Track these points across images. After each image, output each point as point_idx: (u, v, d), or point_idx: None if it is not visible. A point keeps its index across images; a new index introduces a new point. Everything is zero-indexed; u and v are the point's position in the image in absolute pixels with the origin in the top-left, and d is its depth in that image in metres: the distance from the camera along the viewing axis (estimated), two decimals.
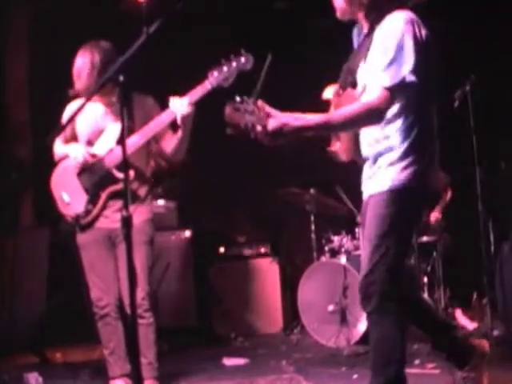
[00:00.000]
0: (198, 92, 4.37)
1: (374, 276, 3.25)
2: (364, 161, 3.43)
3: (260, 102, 3.06)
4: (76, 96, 4.56)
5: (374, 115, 3.15)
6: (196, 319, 6.99)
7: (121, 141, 3.05)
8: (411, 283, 3.72)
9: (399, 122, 3.24)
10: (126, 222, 2.86)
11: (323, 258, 6.31)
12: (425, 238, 6.32)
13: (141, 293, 4.43)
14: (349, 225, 6.50)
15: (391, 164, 3.25)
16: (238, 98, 3.04)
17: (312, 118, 3.17)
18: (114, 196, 4.47)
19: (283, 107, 3.14)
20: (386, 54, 3.14)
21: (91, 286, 4.62)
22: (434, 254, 6.27)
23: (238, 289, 6.98)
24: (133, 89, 4.48)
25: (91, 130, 4.61)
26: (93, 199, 4.52)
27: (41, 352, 6.08)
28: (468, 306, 6.58)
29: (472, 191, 5.56)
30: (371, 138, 3.32)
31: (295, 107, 3.20)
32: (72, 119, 4.50)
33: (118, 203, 4.41)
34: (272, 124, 3.05)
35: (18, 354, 6.08)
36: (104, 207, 4.52)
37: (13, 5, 7.10)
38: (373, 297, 3.26)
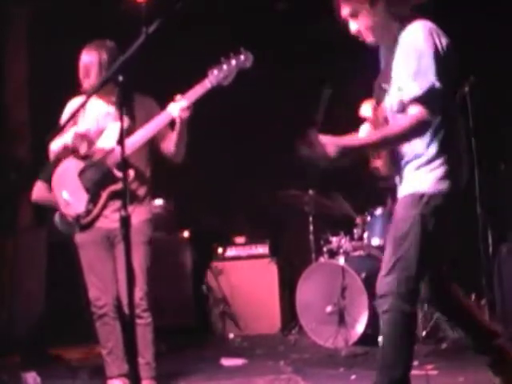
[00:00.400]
0: (198, 91, 4.37)
1: (391, 277, 3.29)
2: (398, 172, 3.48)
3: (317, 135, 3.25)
4: (83, 94, 4.55)
5: (422, 126, 3.20)
6: (194, 319, 7.00)
7: (120, 140, 3.04)
8: (453, 287, 3.71)
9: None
10: (125, 222, 2.86)
11: (321, 259, 6.31)
12: None
13: (139, 293, 4.43)
14: (347, 226, 6.51)
15: (418, 168, 3.31)
16: (308, 132, 3.25)
17: (369, 137, 3.39)
18: (114, 195, 4.47)
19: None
20: (410, 65, 3.21)
21: (89, 286, 4.62)
22: None
23: (236, 289, 6.98)
24: (134, 89, 4.49)
25: (92, 130, 4.61)
26: (93, 199, 4.51)
27: (40, 352, 6.08)
28: None
29: (471, 192, 5.56)
30: (406, 149, 3.37)
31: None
32: (72, 118, 4.49)
33: (117, 203, 4.42)
34: (333, 151, 3.20)
35: (17, 354, 6.07)
36: (105, 207, 4.51)
37: (12, 5, 7.10)
38: (388, 297, 3.29)
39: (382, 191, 6.32)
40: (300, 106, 7.52)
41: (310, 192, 6.45)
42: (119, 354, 4.60)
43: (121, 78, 2.89)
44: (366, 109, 3.63)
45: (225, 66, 4.36)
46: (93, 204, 4.51)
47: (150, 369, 4.53)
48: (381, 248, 6.26)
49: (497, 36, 6.88)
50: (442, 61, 3.20)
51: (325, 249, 6.37)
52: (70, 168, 4.60)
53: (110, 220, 4.50)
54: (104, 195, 4.50)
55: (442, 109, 3.25)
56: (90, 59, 4.52)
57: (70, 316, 6.39)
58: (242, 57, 4.37)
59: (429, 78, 3.17)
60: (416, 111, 3.18)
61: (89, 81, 4.51)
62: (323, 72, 6.79)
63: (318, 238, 6.50)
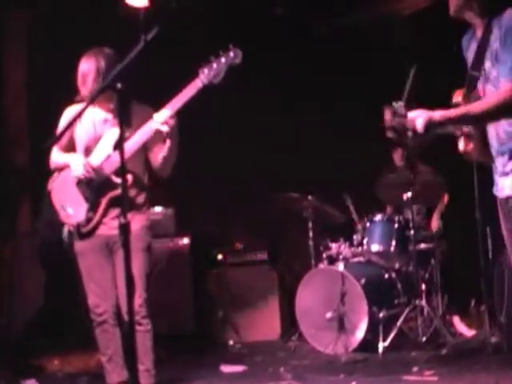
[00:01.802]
0: (190, 91, 4.36)
1: None
2: (493, 160, 3.46)
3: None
4: (80, 102, 4.56)
5: (509, 109, 3.19)
6: (194, 326, 6.98)
7: (118, 146, 3.04)
8: None
9: None
10: (124, 229, 2.85)
11: (321, 265, 6.30)
12: (423, 246, 6.32)
13: (138, 299, 4.42)
14: (347, 232, 6.51)
15: None
16: (394, 103, 3.23)
17: (452, 111, 3.29)
18: (113, 202, 4.47)
19: None
20: None
21: (88, 293, 4.62)
22: (432, 261, 6.27)
23: (235, 296, 6.97)
24: (132, 97, 4.48)
25: (89, 137, 4.61)
26: (93, 206, 4.51)
27: (37, 359, 6.08)
28: (466, 313, 6.58)
29: (470, 196, 5.56)
30: (504, 134, 3.35)
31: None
32: (70, 125, 4.50)
33: (116, 210, 4.42)
34: (420, 124, 3.18)
35: (16, 360, 6.06)
36: (105, 214, 4.51)
37: (12, 8, 7.10)
38: None
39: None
40: (302, 112, 7.58)
41: (310, 198, 6.45)
42: (119, 361, 4.60)
43: (119, 86, 2.88)
44: (457, 97, 3.66)
45: (215, 64, 4.35)
46: (93, 212, 4.51)
47: (150, 376, 4.52)
48: (380, 254, 6.27)
49: None
50: None
51: (324, 255, 6.36)
52: (67, 178, 4.60)
53: (108, 227, 4.50)
54: (104, 202, 4.50)
55: None
56: (87, 67, 4.53)
57: (68, 323, 6.39)
58: (232, 53, 4.36)
59: None
60: (509, 88, 3.18)
61: (86, 88, 4.52)
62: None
63: (318, 244, 6.50)
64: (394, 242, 6.17)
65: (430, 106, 3.28)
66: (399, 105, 3.25)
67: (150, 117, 4.51)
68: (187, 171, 5.88)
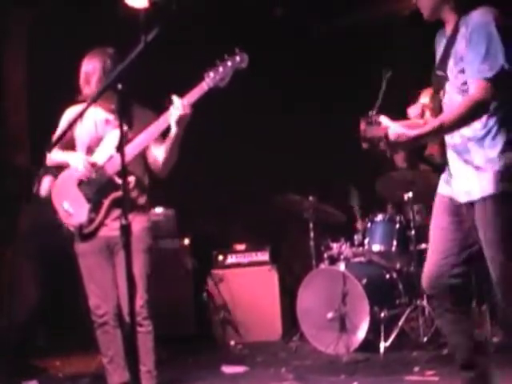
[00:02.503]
0: (195, 94, 4.36)
1: None
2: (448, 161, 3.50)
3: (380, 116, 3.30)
4: (82, 102, 4.55)
5: (480, 108, 3.23)
6: (195, 327, 6.98)
7: (119, 148, 3.04)
8: None
9: (500, 114, 3.31)
10: (125, 230, 2.85)
11: (322, 265, 6.30)
12: (424, 246, 6.31)
13: (139, 301, 4.41)
14: (348, 232, 6.50)
15: (491, 159, 3.30)
16: (369, 113, 3.29)
17: (426, 126, 3.33)
18: (116, 203, 4.46)
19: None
20: (479, 47, 3.23)
21: (89, 294, 4.61)
22: None
23: (236, 296, 6.97)
24: (133, 99, 4.48)
25: (91, 138, 4.60)
26: (95, 207, 4.50)
27: (38, 360, 6.08)
28: None
29: None
30: (470, 133, 3.36)
31: None
32: (71, 126, 4.49)
33: (117, 211, 4.41)
34: (392, 136, 3.24)
35: (17, 361, 6.06)
36: (107, 214, 4.50)
37: (12, 9, 7.09)
38: None
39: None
40: (302, 112, 7.58)
41: (310, 198, 6.45)
42: (120, 363, 4.59)
43: (120, 87, 2.88)
44: (424, 97, 3.66)
45: (220, 68, 4.35)
46: (95, 213, 4.50)
47: (151, 377, 4.51)
48: (381, 254, 6.27)
49: None
50: (507, 43, 3.23)
51: (325, 255, 6.36)
52: (69, 179, 4.59)
53: (109, 228, 4.49)
54: (106, 203, 4.48)
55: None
56: (92, 67, 4.53)
57: (69, 324, 6.38)
58: (238, 58, 4.36)
59: (499, 59, 3.21)
60: (475, 92, 3.22)
61: (89, 88, 4.51)
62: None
63: (319, 245, 6.49)
64: (395, 242, 6.16)
65: None
66: (372, 114, 3.29)
67: (151, 119, 4.49)
68: (187, 172, 5.88)
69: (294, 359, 5.88)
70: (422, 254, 6.11)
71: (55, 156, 4.67)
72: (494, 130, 3.30)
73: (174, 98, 4.34)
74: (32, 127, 7.18)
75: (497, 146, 3.29)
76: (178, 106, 4.31)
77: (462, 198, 3.41)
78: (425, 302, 5.93)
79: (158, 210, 7.02)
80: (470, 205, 3.37)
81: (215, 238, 7.61)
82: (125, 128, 4.15)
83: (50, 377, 5.75)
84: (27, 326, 6.56)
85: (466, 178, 3.37)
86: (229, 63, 4.36)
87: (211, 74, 4.35)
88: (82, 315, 5.24)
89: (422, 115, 4.06)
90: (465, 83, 3.31)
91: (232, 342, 6.82)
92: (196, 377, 5.44)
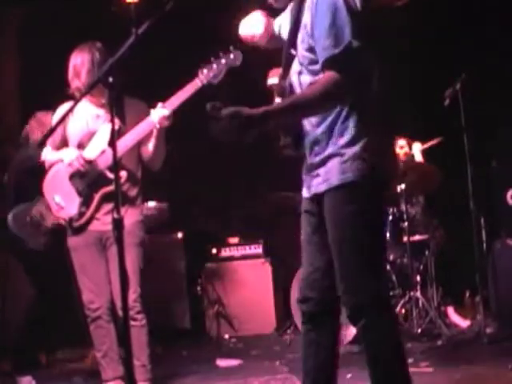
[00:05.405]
0: (189, 90, 4.37)
1: None
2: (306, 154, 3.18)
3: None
4: (72, 95, 4.53)
5: (338, 90, 2.84)
6: (189, 320, 6.98)
7: (111, 142, 3.03)
8: None
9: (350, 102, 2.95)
10: (117, 224, 2.84)
11: None
12: (417, 237, 6.32)
13: (132, 295, 4.41)
14: None
15: (343, 154, 2.96)
16: (208, 106, 2.89)
17: (277, 105, 2.96)
18: (107, 197, 4.45)
19: None
20: (322, 22, 2.87)
21: (83, 289, 4.60)
22: (427, 252, 6.27)
23: (230, 290, 6.97)
24: (124, 92, 4.47)
25: (82, 133, 4.59)
26: (86, 201, 4.50)
27: (34, 356, 6.06)
28: (461, 304, 6.59)
29: (464, 189, 5.57)
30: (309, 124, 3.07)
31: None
32: (62, 121, 4.47)
33: (109, 205, 4.41)
34: (225, 112, 2.85)
35: (11, 358, 6.05)
36: (98, 209, 4.50)
37: (3, 6, 7.06)
38: None
39: None
40: None
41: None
42: (114, 357, 4.59)
43: (111, 80, 2.86)
44: (273, 78, 3.39)
45: (214, 65, 4.35)
46: (85, 206, 4.50)
47: (146, 371, 4.51)
48: None
49: (488, 34, 6.90)
50: (357, 21, 2.87)
51: None
52: (60, 172, 4.58)
53: (101, 222, 4.48)
54: (97, 197, 4.48)
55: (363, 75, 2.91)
56: (81, 59, 4.51)
57: (63, 319, 6.37)
58: (232, 55, 4.36)
59: (345, 35, 2.84)
60: (330, 73, 2.84)
61: (79, 80, 4.49)
62: None
63: None
64: (388, 234, 6.16)
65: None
66: (215, 105, 2.88)
67: (143, 111, 4.49)
68: (182, 166, 5.88)
69: (288, 352, 5.88)
70: (415, 246, 6.14)
71: (50, 156, 4.66)
72: (342, 117, 2.95)
73: (158, 107, 4.38)
74: (24, 123, 7.14)
75: (346, 134, 2.95)
76: (156, 117, 4.36)
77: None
78: (418, 294, 5.95)
79: (151, 203, 7.01)
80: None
81: (209, 232, 7.61)
82: (117, 123, 4.15)
83: (44, 372, 5.74)
84: (21, 322, 6.54)
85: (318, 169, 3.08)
86: (223, 60, 4.36)
87: (205, 71, 4.35)
88: (75, 310, 5.24)
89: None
90: (313, 62, 2.96)
91: (226, 336, 6.82)
92: (190, 370, 5.44)
